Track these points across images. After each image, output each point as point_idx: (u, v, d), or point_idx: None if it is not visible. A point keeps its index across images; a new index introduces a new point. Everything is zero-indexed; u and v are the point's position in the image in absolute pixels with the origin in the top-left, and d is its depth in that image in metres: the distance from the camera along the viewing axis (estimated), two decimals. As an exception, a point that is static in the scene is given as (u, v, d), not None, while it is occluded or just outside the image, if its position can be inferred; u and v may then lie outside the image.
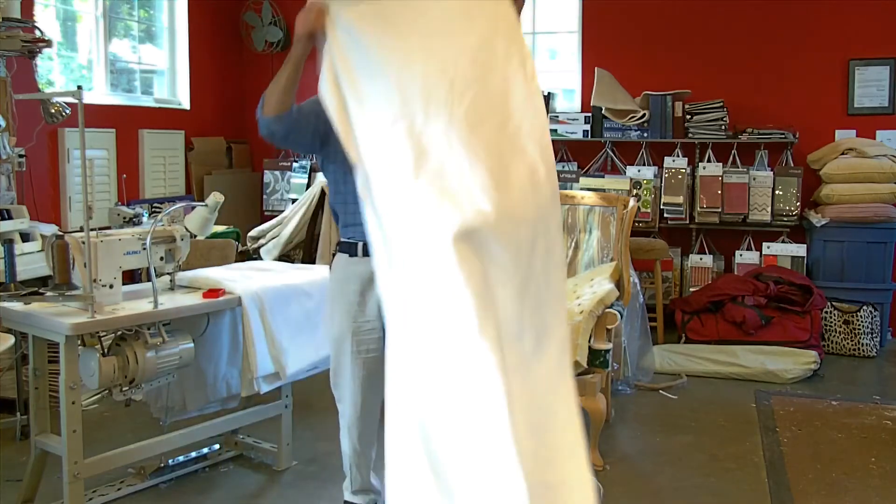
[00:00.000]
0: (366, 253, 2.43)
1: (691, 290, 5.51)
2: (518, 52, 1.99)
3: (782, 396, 4.39)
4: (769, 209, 5.47)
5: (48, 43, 4.12)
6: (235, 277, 3.17)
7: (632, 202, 4.04)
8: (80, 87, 2.62)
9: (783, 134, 5.52)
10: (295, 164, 6.34)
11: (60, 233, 2.86)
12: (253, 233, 5.53)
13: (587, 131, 5.85)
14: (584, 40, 6.17)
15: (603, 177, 5.73)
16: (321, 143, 2.51)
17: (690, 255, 5.69)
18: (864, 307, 5.17)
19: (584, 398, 3.39)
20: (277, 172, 6.41)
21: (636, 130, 5.75)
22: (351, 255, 2.59)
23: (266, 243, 5.41)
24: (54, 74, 5.31)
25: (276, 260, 5.19)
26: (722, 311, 5.08)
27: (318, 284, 3.20)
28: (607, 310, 3.46)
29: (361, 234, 2.33)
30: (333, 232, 4.90)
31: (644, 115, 5.69)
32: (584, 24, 6.16)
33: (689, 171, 5.60)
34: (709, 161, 5.64)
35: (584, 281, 3.74)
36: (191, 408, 3.29)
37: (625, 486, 3.26)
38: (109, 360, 2.77)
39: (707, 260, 5.63)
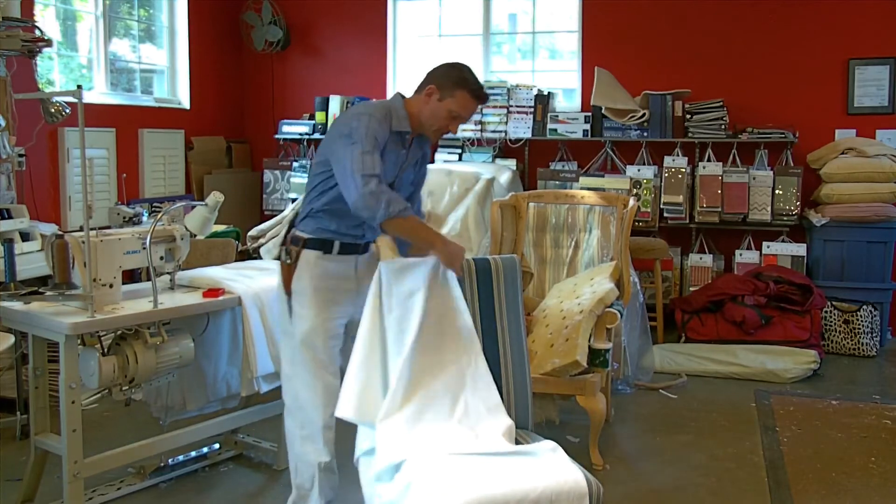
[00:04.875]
0: (341, 251, 2.63)
1: (691, 289, 5.51)
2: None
3: (782, 396, 4.39)
4: (769, 209, 5.47)
5: (48, 42, 4.12)
6: (235, 277, 3.17)
7: (632, 202, 4.03)
8: (80, 87, 2.63)
9: (783, 133, 5.52)
10: (295, 164, 6.34)
11: (60, 232, 2.86)
12: (253, 232, 5.53)
13: (587, 131, 5.85)
14: (584, 40, 6.17)
15: (603, 176, 5.73)
16: None
17: (690, 255, 5.69)
18: (864, 307, 5.17)
19: (583, 398, 3.39)
20: (277, 172, 6.41)
21: (636, 130, 5.75)
22: (325, 252, 2.62)
23: (266, 243, 5.41)
24: (54, 74, 5.31)
25: (276, 259, 5.18)
26: (722, 310, 5.08)
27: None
28: (607, 309, 3.46)
29: (341, 235, 2.62)
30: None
31: (644, 114, 5.69)
32: (584, 24, 6.15)
33: (689, 170, 5.60)
34: (709, 160, 5.64)
35: (585, 280, 3.74)
36: (190, 407, 3.29)
37: (625, 486, 3.26)
38: (109, 359, 2.78)
39: (707, 259, 5.63)
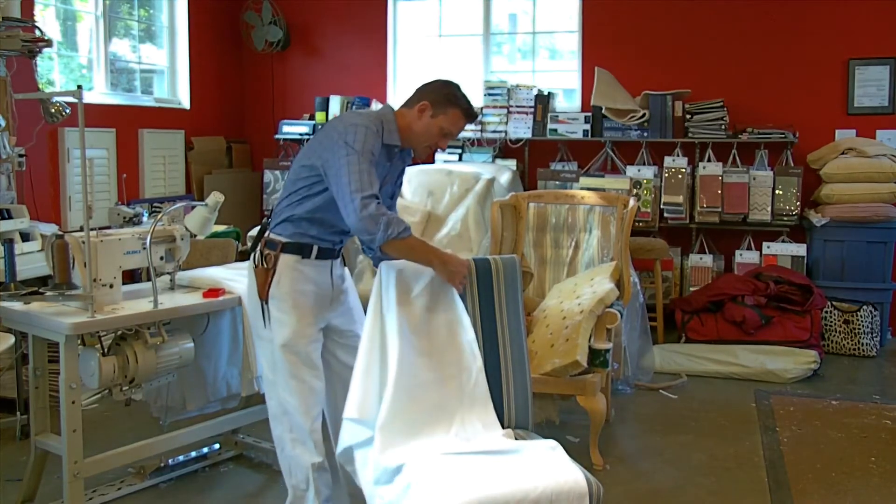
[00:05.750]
0: (318, 256, 2.60)
1: (691, 289, 5.51)
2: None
3: (782, 396, 4.39)
4: (769, 209, 5.47)
5: (48, 42, 4.12)
6: (235, 277, 3.17)
7: (632, 202, 4.03)
8: (80, 87, 2.63)
9: (783, 133, 5.52)
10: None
11: (60, 232, 2.86)
12: (253, 232, 5.53)
13: (587, 131, 5.85)
14: (584, 40, 6.17)
15: (603, 176, 5.72)
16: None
17: (690, 255, 5.69)
18: (864, 307, 5.17)
19: (583, 398, 3.39)
20: (277, 172, 6.41)
21: (636, 130, 5.75)
22: (304, 257, 2.59)
23: (266, 243, 5.41)
24: (54, 74, 5.31)
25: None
26: (722, 310, 5.08)
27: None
28: (607, 309, 3.46)
29: (320, 240, 2.59)
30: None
31: (644, 114, 5.69)
32: (584, 24, 6.15)
33: (689, 170, 5.60)
34: (709, 161, 5.64)
35: (585, 280, 3.74)
36: (190, 407, 3.29)
37: (625, 486, 3.26)
38: (109, 359, 2.78)
39: (707, 259, 5.63)
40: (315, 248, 2.60)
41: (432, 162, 6.01)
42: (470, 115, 2.66)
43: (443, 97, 2.61)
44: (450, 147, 6.18)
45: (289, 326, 2.57)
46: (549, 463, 2.25)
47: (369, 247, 2.65)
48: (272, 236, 2.61)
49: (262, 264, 2.61)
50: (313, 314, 2.62)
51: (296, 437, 2.62)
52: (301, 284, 2.59)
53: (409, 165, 2.84)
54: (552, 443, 2.36)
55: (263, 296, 2.60)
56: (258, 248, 2.64)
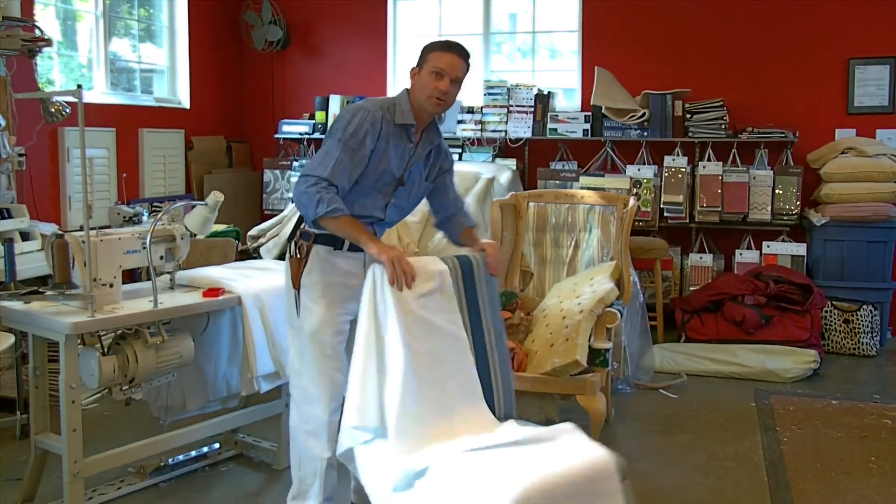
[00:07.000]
0: (350, 248, 2.64)
1: (691, 289, 5.51)
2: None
3: (782, 396, 4.39)
4: (769, 208, 5.47)
5: (48, 42, 4.12)
6: (235, 277, 3.17)
7: (632, 201, 4.03)
8: (80, 87, 2.63)
9: (783, 133, 5.52)
10: (295, 164, 6.34)
11: (60, 232, 2.86)
12: (253, 232, 5.53)
13: (587, 130, 5.85)
14: (584, 40, 6.17)
15: (603, 176, 5.72)
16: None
17: (690, 255, 5.69)
18: (864, 306, 5.17)
19: (583, 397, 3.39)
20: (277, 171, 6.41)
21: (636, 129, 5.75)
22: (336, 248, 2.64)
23: (266, 242, 5.41)
24: (54, 73, 5.31)
25: (276, 259, 5.18)
26: (722, 310, 5.08)
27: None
28: (607, 309, 3.46)
29: None
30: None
31: (644, 114, 5.69)
32: (584, 23, 6.15)
33: (689, 170, 5.60)
34: (709, 160, 5.64)
35: (585, 280, 3.75)
36: (191, 407, 3.29)
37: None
38: (109, 359, 2.78)
39: (707, 259, 5.63)
40: (347, 241, 2.62)
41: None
42: (449, 46, 2.68)
43: (420, 54, 2.69)
44: (450, 146, 6.16)
45: (317, 315, 2.62)
46: (576, 445, 2.27)
47: (379, 226, 2.73)
48: (307, 228, 2.67)
49: (297, 254, 2.66)
50: (341, 305, 2.65)
51: (310, 429, 2.65)
52: (331, 276, 2.64)
53: (439, 144, 2.85)
54: (569, 426, 2.38)
55: (296, 285, 2.65)
56: (294, 239, 2.69)
